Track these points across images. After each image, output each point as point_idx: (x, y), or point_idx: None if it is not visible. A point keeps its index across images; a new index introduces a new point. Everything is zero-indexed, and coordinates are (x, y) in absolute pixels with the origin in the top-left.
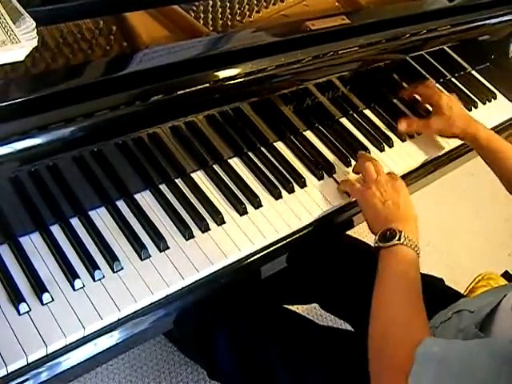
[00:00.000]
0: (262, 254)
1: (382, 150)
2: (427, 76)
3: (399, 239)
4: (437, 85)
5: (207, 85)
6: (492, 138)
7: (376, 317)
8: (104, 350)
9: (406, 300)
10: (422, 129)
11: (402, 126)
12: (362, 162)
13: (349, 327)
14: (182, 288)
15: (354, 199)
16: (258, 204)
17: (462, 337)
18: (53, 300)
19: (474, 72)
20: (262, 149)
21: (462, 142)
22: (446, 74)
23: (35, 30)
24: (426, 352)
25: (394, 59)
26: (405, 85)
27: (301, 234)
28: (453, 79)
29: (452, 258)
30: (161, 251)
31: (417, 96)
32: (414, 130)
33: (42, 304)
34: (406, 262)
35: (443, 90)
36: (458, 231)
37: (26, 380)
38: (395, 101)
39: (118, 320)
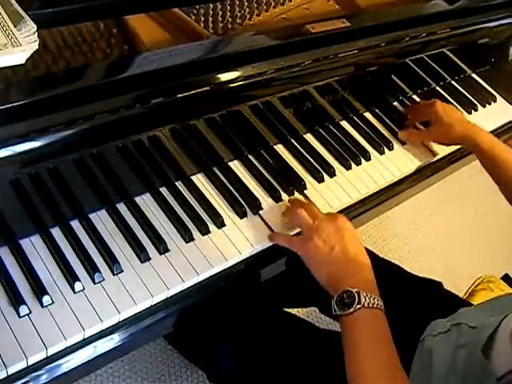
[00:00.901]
0: (262, 256)
1: (381, 152)
2: (427, 79)
3: (359, 302)
4: (437, 87)
5: (207, 88)
6: (494, 143)
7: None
8: (104, 353)
9: (383, 367)
10: (422, 138)
11: (403, 137)
12: (293, 210)
13: None
14: (182, 291)
15: (354, 201)
16: (257, 207)
17: (463, 354)
18: (53, 302)
19: (474, 75)
20: (262, 152)
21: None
22: (446, 77)
23: (36, 33)
24: None
25: (394, 62)
26: (405, 88)
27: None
28: (453, 82)
29: (451, 261)
30: (161, 254)
31: (414, 117)
32: (414, 141)
33: (42, 306)
34: (372, 325)
35: (437, 100)
36: (457, 234)
37: (26, 382)
38: (395, 104)
39: (118, 323)
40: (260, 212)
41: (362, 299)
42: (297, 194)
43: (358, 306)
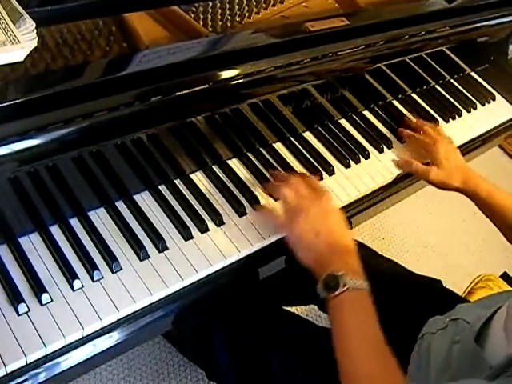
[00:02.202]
0: (260, 254)
1: (381, 151)
2: (427, 77)
3: (345, 284)
4: (436, 86)
5: (206, 86)
6: (492, 190)
7: (346, 378)
8: (103, 351)
9: (372, 350)
10: (419, 175)
11: (402, 167)
12: (276, 185)
13: None
14: (181, 289)
15: (354, 199)
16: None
17: (458, 349)
18: (52, 300)
19: (473, 73)
20: (261, 150)
21: (460, 144)
22: (445, 75)
23: (35, 31)
24: None
25: (393, 60)
26: (404, 86)
27: None
28: (452, 81)
29: (450, 260)
30: (160, 252)
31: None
32: (411, 171)
33: (41, 304)
34: (358, 309)
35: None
36: (456, 233)
37: (25, 380)
38: (394, 102)
39: (117, 320)
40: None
41: (348, 281)
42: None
43: (343, 289)
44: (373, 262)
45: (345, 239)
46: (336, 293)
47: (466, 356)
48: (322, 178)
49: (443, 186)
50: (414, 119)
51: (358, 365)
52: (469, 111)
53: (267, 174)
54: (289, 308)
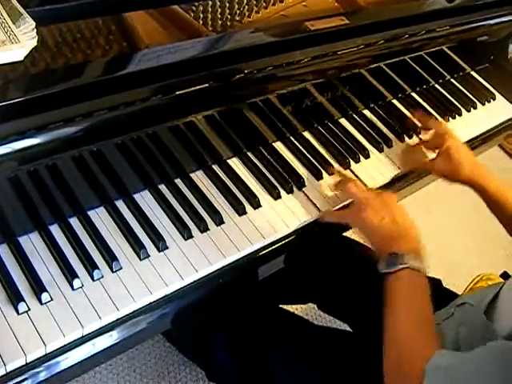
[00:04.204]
0: (260, 254)
1: (381, 150)
2: (427, 77)
3: (404, 263)
4: (436, 85)
5: (206, 85)
6: (501, 186)
7: (390, 343)
8: (103, 350)
9: (418, 324)
10: (424, 168)
11: (405, 164)
12: (345, 184)
13: (347, 328)
14: (181, 288)
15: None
16: (256, 204)
17: (465, 329)
18: (52, 299)
19: (473, 73)
20: (261, 149)
21: None
22: (446, 74)
23: (35, 30)
24: (436, 365)
25: (393, 60)
26: (404, 85)
27: (299, 234)
28: (452, 80)
29: (450, 259)
30: (160, 251)
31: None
32: (416, 169)
33: (41, 303)
34: (413, 285)
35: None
36: (456, 232)
37: (25, 379)
38: (394, 101)
39: (117, 320)
40: (259, 209)
41: (407, 261)
42: (296, 191)
43: (401, 266)
44: (373, 262)
45: (408, 227)
46: (396, 269)
47: (475, 332)
48: (321, 178)
49: (452, 177)
50: (419, 113)
51: (400, 334)
52: (469, 110)
53: (267, 174)
54: (288, 307)
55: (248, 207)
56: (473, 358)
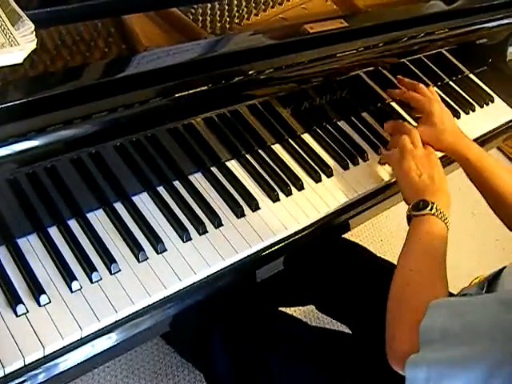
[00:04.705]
0: (259, 256)
1: (379, 153)
2: (425, 79)
3: (431, 209)
4: (435, 89)
5: (205, 87)
6: (483, 156)
7: (400, 269)
8: (101, 352)
9: (430, 264)
10: (408, 134)
11: (388, 128)
12: (398, 133)
13: (346, 329)
14: (180, 290)
15: (351, 201)
16: (255, 207)
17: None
18: (50, 301)
19: (471, 75)
20: (260, 151)
21: None
22: (444, 77)
23: (34, 33)
24: (440, 301)
25: (391, 62)
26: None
27: (298, 236)
28: (450, 82)
29: (449, 261)
30: (158, 253)
31: (408, 96)
32: (399, 132)
33: (40, 305)
34: (434, 231)
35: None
36: (454, 233)
37: (23, 382)
38: (393, 104)
39: (116, 322)
40: (257, 212)
41: (434, 209)
42: (295, 193)
43: (428, 212)
44: (371, 265)
45: (443, 188)
46: (422, 212)
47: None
48: (320, 180)
49: (435, 144)
50: (406, 79)
51: (411, 266)
52: (467, 113)
53: (266, 176)
54: (287, 309)
55: (247, 209)
56: (478, 298)
